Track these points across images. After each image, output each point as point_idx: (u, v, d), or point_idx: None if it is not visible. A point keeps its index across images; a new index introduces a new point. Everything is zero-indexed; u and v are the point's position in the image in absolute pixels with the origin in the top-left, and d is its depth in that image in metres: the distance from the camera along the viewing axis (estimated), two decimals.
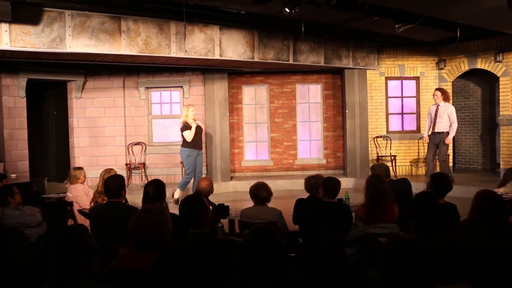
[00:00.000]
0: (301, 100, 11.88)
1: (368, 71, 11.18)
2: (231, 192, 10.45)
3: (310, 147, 11.95)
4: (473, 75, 11.58)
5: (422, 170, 11.28)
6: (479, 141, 12.01)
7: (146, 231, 2.82)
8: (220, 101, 10.81)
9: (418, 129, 11.43)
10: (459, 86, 12.17)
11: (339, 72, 11.55)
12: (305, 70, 11.47)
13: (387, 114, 11.34)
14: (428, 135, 9.38)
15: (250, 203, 4.99)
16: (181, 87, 10.97)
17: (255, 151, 11.78)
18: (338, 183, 4.82)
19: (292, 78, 11.76)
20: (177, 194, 8.63)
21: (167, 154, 10.93)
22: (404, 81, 11.52)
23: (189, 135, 8.48)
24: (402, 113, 11.58)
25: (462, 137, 12.29)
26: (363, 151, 11.13)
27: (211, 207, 3.76)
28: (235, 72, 11.18)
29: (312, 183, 5.30)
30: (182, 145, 8.60)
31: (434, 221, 3.14)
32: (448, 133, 8.98)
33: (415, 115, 11.51)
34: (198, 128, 8.63)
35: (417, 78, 11.40)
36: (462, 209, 4.19)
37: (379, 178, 4.61)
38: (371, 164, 11.05)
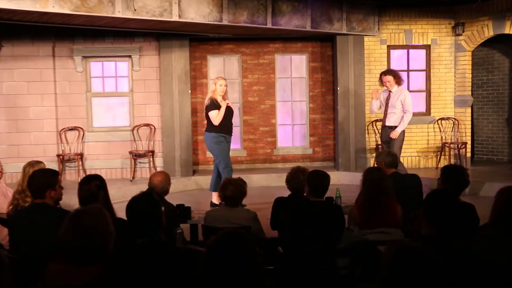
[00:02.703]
0: (282, 75, 11.90)
1: (366, 38, 11.20)
2: (193, 190, 10.47)
3: (293, 133, 11.99)
4: (500, 42, 11.73)
5: (432, 162, 11.48)
6: (505, 126, 12.21)
7: (82, 240, 2.79)
8: (179, 75, 10.78)
9: (428, 111, 11.60)
10: (481, 57, 12.34)
11: (329, 39, 11.54)
12: (287, 37, 11.44)
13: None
14: (380, 131, 9.29)
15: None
16: (130, 56, 10.88)
17: None
18: (327, 178, 4.85)
19: (270, 46, 11.74)
20: (215, 198, 8.33)
21: (111, 142, 10.87)
22: (411, 50, 11.60)
23: (217, 116, 8.24)
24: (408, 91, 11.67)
25: (483, 120, 12.51)
26: (359, 138, 11.22)
27: (165, 208, 3.75)
28: (198, 39, 11.11)
29: (295, 178, 5.34)
30: (207, 130, 8.45)
31: (449, 226, 3.20)
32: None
33: (425, 93, 11.65)
34: (228, 109, 8.40)
35: (427, 47, 11.50)
36: (481, 210, 4.25)
37: (380, 171, 4.68)
38: (368, 155, 11.22)
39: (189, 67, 10.92)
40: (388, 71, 9.23)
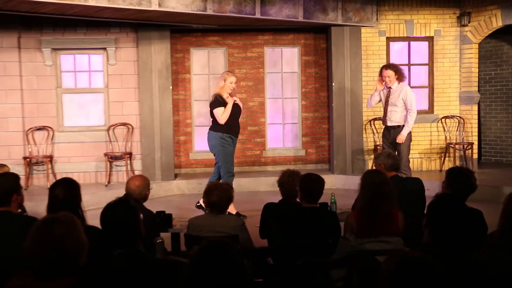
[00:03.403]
0: (272, 69, 11.92)
1: (363, 30, 11.26)
2: (175, 196, 10.52)
3: (284, 133, 12.01)
4: (509, 33, 11.81)
5: (435, 164, 11.55)
6: None
7: (50, 252, 2.77)
8: (159, 70, 10.77)
9: (431, 109, 11.66)
10: (488, 49, 12.42)
11: (323, 31, 11.57)
12: (278, 28, 11.47)
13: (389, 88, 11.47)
14: (382, 132, 9.17)
15: (201, 210, 5.00)
16: (104, 49, 10.85)
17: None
18: (321, 182, 4.86)
19: (259, 38, 11.76)
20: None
21: (84, 143, 10.84)
22: (412, 43, 11.66)
23: (223, 114, 8.25)
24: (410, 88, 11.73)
25: (491, 119, 12.59)
26: (356, 138, 11.26)
27: (144, 216, 3.74)
28: (180, 30, 11.12)
29: (291, 181, 5.34)
30: (211, 128, 8.45)
31: (455, 234, 3.20)
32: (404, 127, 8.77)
33: (427, 89, 11.71)
34: (236, 107, 8.39)
35: (430, 39, 11.56)
36: (489, 217, 4.28)
37: (380, 174, 4.68)
38: (366, 156, 11.25)
39: (170, 61, 10.91)
40: (390, 65, 9.07)
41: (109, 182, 10.57)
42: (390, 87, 8.85)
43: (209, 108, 8.47)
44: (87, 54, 11.01)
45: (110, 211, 3.36)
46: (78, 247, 2.81)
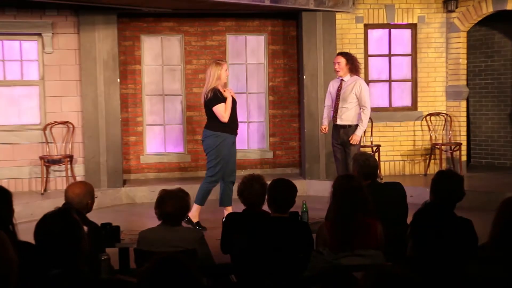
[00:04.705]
0: (235, 60, 11.92)
1: (338, 15, 11.30)
2: (123, 205, 10.51)
3: (249, 133, 12.04)
4: (501, 21, 11.92)
5: (419, 167, 11.69)
6: (507, 123, 12.45)
7: None
8: (105, 60, 10.71)
9: (415, 106, 11.80)
10: (478, 38, 12.55)
11: (293, 17, 11.61)
12: (241, 13, 11.49)
13: (367, 82, 11.35)
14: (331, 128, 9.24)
15: (154, 221, 4.97)
16: (39, 35, 10.73)
17: (162, 139, 11.85)
18: (292, 189, 4.88)
19: (220, 24, 11.79)
20: (195, 211, 8.35)
21: (16, 144, 10.71)
22: (393, 30, 11.77)
23: (226, 112, 8.30)
24: (389, 80, 11.90)
25: (481, 116, 12.74)
26: (330, 139, 11.14)
27: (87, 229, 3.73)
28: (129, 14, 11.08)
29: (249, 188, 5.34)
30: (208, 127, 8.49)
31: (441, 246, 3.25)
32: (356, 126, 8.81)
33: (410, 83, 11.84)
34: (233, 101, 8.47)
35: (413, 26, 11.68)
36: (480, 227, 4.28)
37: (353, 179, 4.69)
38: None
39: (117, 50, 10.86)
40: (343, 53, 9.09)
41: (45, 190, 10.46)
42: (342, 79, 8.88)
43: (203, 106, 8.46)
44: (18, 41, 10.85)
45: (47, 224, 3.26)
46: (5, 266, 2.77)
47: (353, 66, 8.87)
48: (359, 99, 8.75)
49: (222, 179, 8.54)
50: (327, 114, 9.22)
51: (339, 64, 8.82)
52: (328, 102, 9.19)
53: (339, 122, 8.88)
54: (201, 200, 8.49)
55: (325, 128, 9.25)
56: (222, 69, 8.31)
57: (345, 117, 8.82)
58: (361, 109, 8.77)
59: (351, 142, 8.71)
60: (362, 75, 10.09)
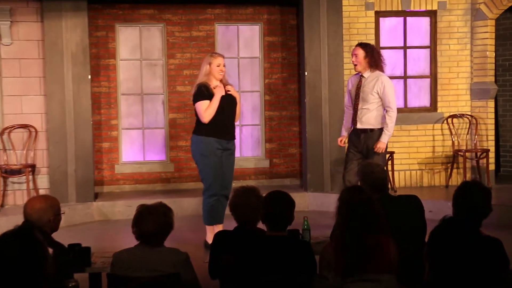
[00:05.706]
0: (225, 53, 11.48)
1: (345, 1, 11.30)
2: (95, 223, 10.52)
3: (241, 138, 11.99)
4: None
5: (440, 178, 11.62)
6: None
7: None
8: (74, 53, 10.71)
9: (434, 106, 11.77)
10: (509, 27, 12.54)
11: (293, 3, 11.69)
12: None
13: None
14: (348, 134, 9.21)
15: (132, 241, 4.92)
16: None
17: (140, 145, 11.89)
18: (289, 203, 4.91)
19: (208, 12, 11.85)
20: (208, 233, 8.46)
21: None
22: (409, 18, 11.73)
23: (206, 110, 8.27)
24: (405, 77, 11.78)
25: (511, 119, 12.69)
26: (336, 145, 10.80)
27: (52, 250, 3.86)
28: (102, 0, 11.14)
29: (244, 202, 5.41)
30: (194, 131, 8.57)
31: (464, 269, 3.27)
32: (380, 131, 8.73)
33: (429, 80, 11.81)
34: (228, 100, 8.40)
35: (433, 14, 11.66)
36: (510, 247, 4.27)
37: (361, 192, 4.75)
38: None
39: (88, 41, 10.91)
40: (364, 44, 9.02)
41: (2, 206, 10.49)
42: (362, 75, 8.78)
43: (193, 104, 8.53)
44: None
45: (4, 245, 3.27)
46: None
47: (372, 60, 8.73)
48: (382, 98, 8.66)
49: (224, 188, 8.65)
50: (347, 119, 9.09)
51: (356, 56, 8.74)
52: (348, 102, 9.13)
53: (359, 125, 8.76)
54: (209, 220, 8.52)
55: (342, 141, 9.17)
56: (213, 64, 8.30)
57: (366, 120, 8.71)
58: (386, 111, 8.67)
59: (375, 150, 8.60)
60: None
